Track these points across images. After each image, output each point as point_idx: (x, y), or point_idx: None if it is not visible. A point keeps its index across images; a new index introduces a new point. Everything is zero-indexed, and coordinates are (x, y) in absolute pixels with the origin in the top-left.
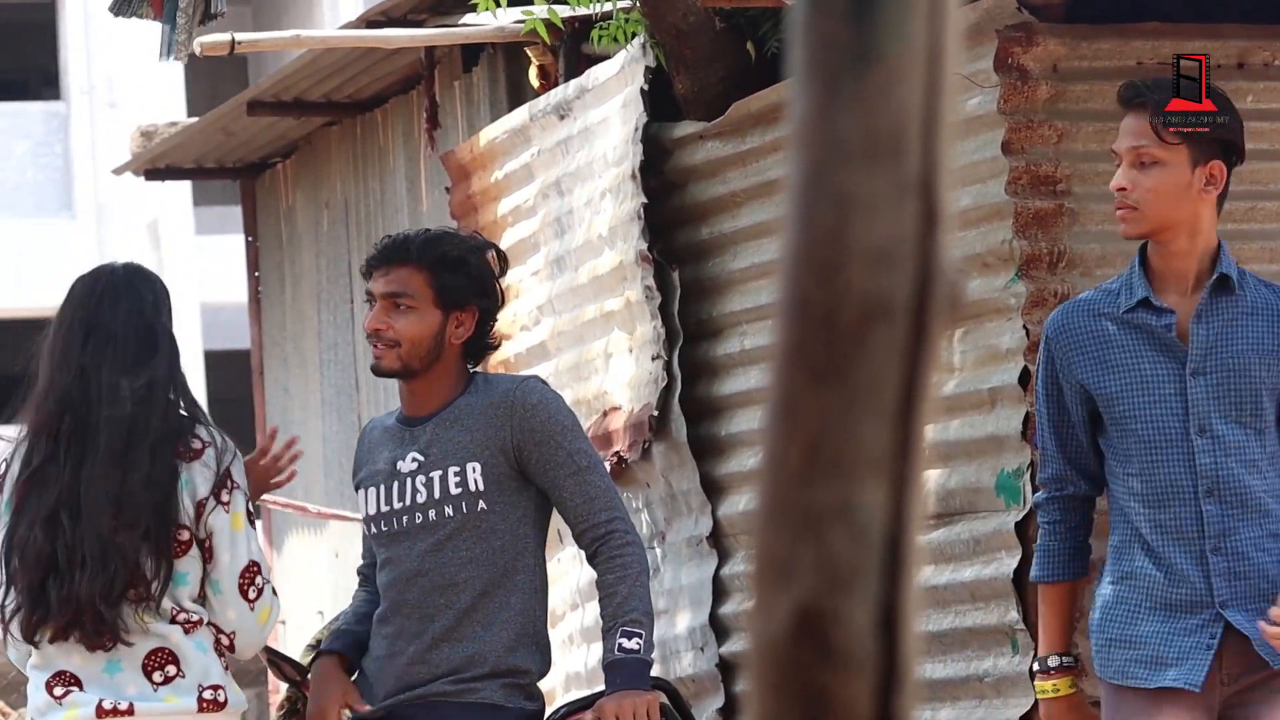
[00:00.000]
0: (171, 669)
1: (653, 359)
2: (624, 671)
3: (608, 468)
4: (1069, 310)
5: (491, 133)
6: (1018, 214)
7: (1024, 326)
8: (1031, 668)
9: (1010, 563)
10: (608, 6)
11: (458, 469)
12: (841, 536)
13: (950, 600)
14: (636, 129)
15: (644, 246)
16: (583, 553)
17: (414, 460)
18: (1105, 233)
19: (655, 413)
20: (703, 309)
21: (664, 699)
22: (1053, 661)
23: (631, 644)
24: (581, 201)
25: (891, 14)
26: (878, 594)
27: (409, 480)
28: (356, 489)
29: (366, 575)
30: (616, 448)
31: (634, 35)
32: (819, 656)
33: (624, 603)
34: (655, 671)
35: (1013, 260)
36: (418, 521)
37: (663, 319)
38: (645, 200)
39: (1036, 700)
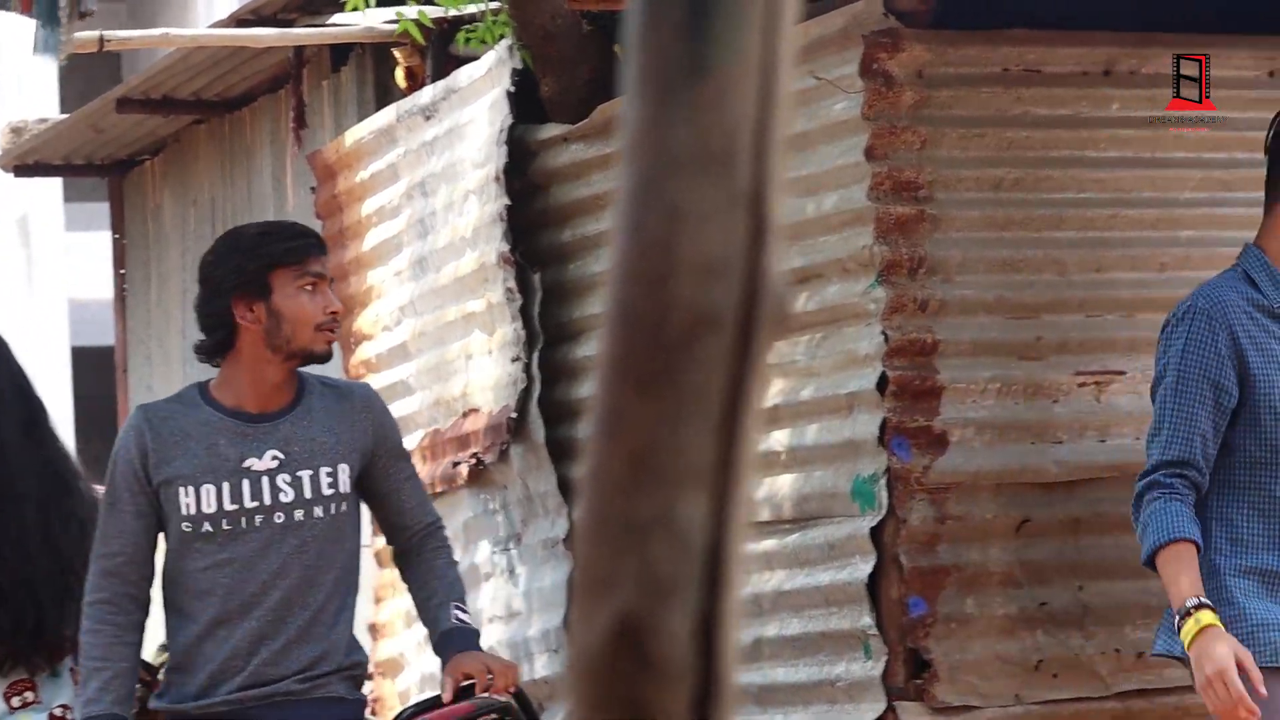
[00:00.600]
0: (30, 694)
1: (513, 361)
2: (471, 637)
3: (465, 470)
4: (1225, 295)
5: (358, 133)
6: (879, 219)
7: (883, 332)
8: (1173, 621)
9: (865, 568)
10: (476, 8)
11: (330, 470)
12: (663, 547)
13: (804, 605)
14: (501, 131)
15: (506, 248)
16: (395, 545)
17: (273, 459)
18: (966, 239)
19: (514, 415)
20: (564, 312)
21: (512, 701)
22: (1192, 602)
23: (467, 617)
24: (445, 203)
25: (725, 27)
26: (697, 604)
27: (266, 478)
28: (165, 483)
29: (122, 596)
30: (475, 449)
31: (501, 37)
32: (638, 666)
33: (454, 584)
34: None
35: (873, 265)
36: (278, 521)
37: (523, 321)
38: (509, 202)
39: (891, 705)
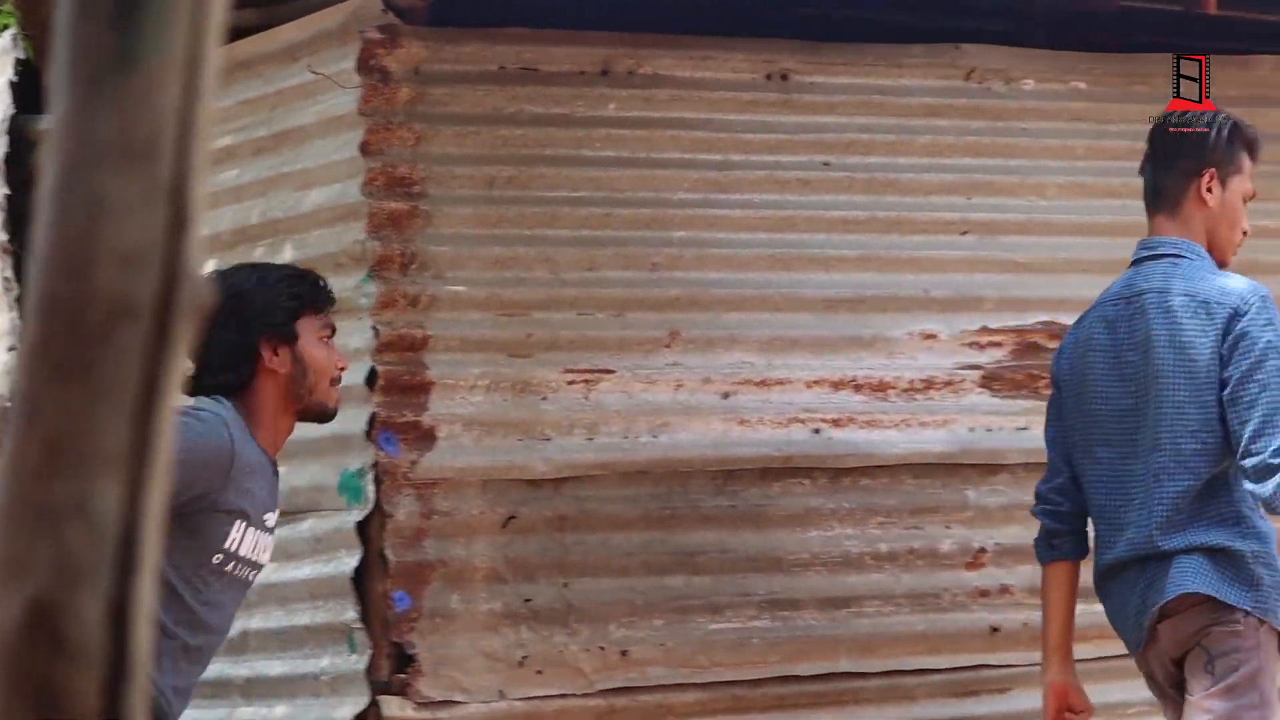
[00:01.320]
0: None
1: (9, 350)
2: None
3: None
4: None
5: None
6: (372, 214)
7: (373, 327)
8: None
9: (350, 562)
10: None
11: None
12: (76, 532)
13: (289, 598)
14: (3, 120)
15: (4, 238)
16: None
17: (275, 518)
18: (459, 235)
19: (9, 404)
20: None
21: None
22: None
23: None
24: None
25: (153, 22)
26: (110, 589)
27: (266, 537)
28: (228, 511)
29: None
30: None
31: (5, 27)
32: (50, 650)
33: None
34: None
35: (365, 260)
36: (247, 578)
37: (20, 311)
38: (8, 191)
39: (374, 699)
